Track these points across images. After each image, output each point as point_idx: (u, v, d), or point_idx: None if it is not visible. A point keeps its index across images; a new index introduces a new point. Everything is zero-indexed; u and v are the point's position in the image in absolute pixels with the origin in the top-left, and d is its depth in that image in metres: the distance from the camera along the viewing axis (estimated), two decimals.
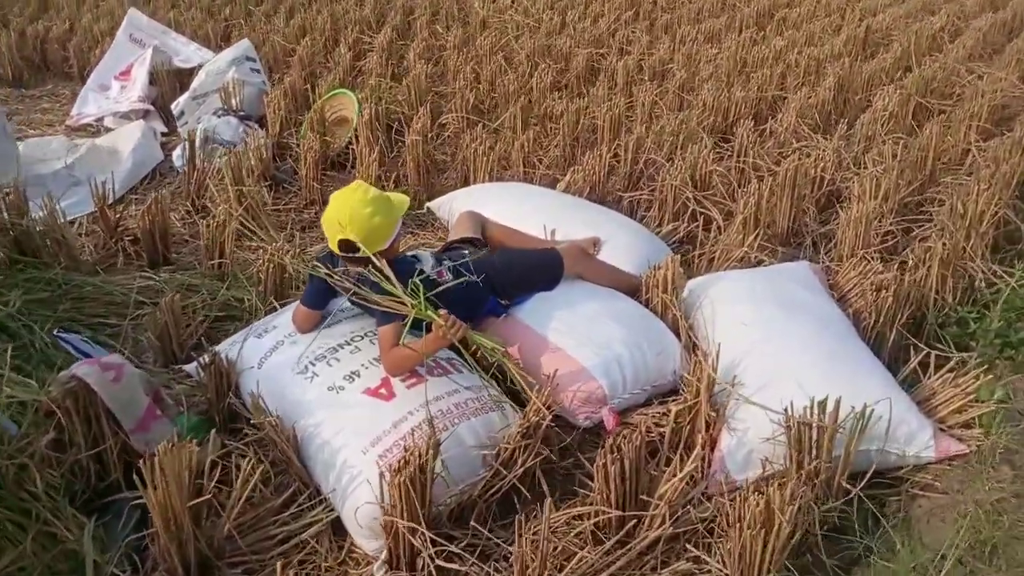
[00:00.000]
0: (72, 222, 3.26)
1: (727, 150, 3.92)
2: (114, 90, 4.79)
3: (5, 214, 2.80)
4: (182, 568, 1.73)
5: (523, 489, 1.97)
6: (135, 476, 1.68)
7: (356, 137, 3.94)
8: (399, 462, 1.68)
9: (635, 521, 1.83)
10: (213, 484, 1.82)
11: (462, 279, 2.19)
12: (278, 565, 1.79)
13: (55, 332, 2.28)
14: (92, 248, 3.18)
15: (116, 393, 1.89)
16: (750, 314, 2.34)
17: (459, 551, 1.79)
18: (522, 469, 1.93)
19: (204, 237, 2.98)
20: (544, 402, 1.95)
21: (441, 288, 2.11)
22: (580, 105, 4.17)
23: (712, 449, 2.07)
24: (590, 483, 1.98)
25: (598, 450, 1.97)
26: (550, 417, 1.98)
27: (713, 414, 2.10)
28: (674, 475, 1.85)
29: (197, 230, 3.31)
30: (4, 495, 1.79)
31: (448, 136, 4.34)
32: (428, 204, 3.49)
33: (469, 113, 4.33)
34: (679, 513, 1.89)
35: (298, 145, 3.94)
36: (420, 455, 1.69)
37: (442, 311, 2.01)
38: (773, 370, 2.12)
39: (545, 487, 1.99)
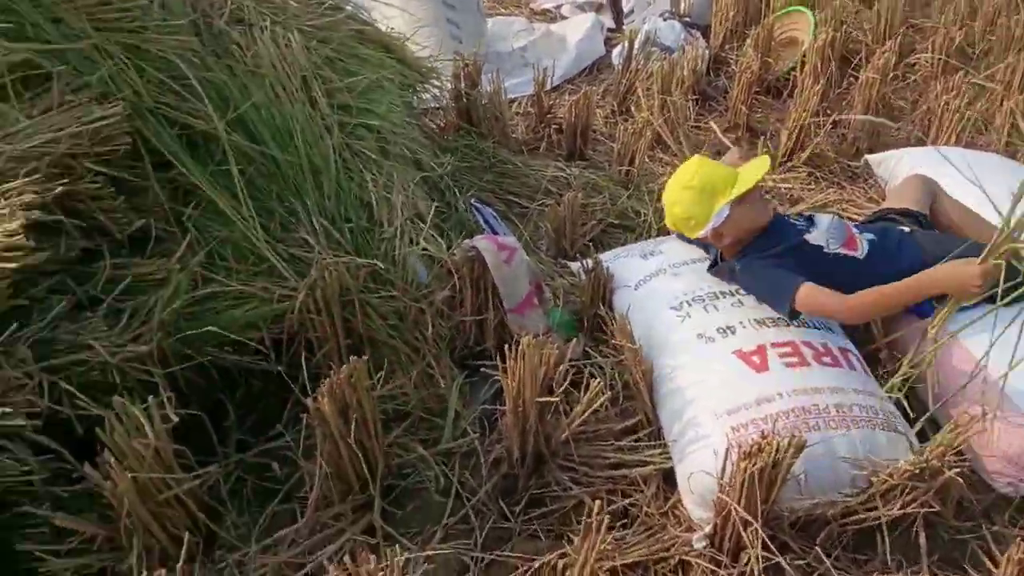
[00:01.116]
0: (512, 101, 3.51)
1: None
2: None
3: (462, 83, 3.10)
4: (519, 452, 1.81)
5: (892, 533, 1.64)
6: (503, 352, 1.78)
7: (803, 63, 3.55)
8: (752, 446, 1.49)
9: None
10: (565, 385, 1.86)
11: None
12: (603, 491, 1.81)
13: (472, 201, 2.48)
14: (523, 129, 3.40)
15: (504, 273, 1.99)
16: None
17: (788, 565, 1.57)
18: (900, 511, 1.60)
19: (619, 140, 2.98)
20: (953, 447, 1.56)
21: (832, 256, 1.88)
22: None
23: None
24: (987, 563, 1.58)
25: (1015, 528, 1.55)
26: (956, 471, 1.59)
27: None
28: None
29: (615, 132, 3.33)
30: (403, 329, 2.04)
31: (914, 80, 3.68)
32: (866, 156, 3.02)
33: (950, 56, 3.60)
34: None
35: (737, 62, 3.68)
36: (778, 448, 1.48)
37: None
38: None
39: (922, 542, 1.63)
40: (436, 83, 2.87)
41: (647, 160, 3.01)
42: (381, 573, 1.29)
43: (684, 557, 1.67)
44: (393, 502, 1.79)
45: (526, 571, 1.63)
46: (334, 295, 1.88)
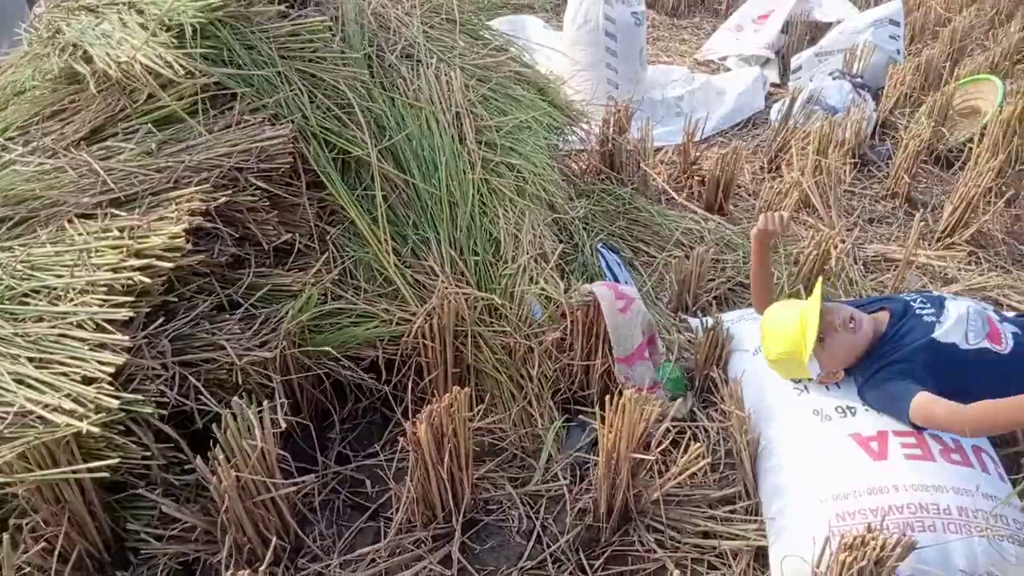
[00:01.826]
0: (659, 150, 3.50)
1: None
2: (747, 32, 4.89)
3: (610, 128, 3.13)
4: (606, 505, 1.77)
5: None
6: (603, 402, 1.76)
7: (982, 134, 3.27)
8: (856, 538, 1.38)
9: None
10: (665, 444, 1.81)
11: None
12: (689, 559, 1.73)
13: (599, 246, 2.49)
14: (666, 177, 3.38)
15: (619, 322, 1.97)
16: None
17: None
18: None
19: (762, 198, 2.88)
20: None
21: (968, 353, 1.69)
22: None
23: None
24: None
25: None
26: None
27: None
28: None
29: (760, 189, 3.23)
30: (509, 365, 2.08)
31: None
32: None
33: None
34: None
35: (906, 128, 3.46)
36: (884, 545, 1.36)
37: None
38: None
39: None
40: (584, 126, 2.92)
41: (791, 221, 2.88)
42: None
43: None
44: (474, 536, 1.81)
45: None
46: (449, 324, 1.95)
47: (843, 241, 2.74)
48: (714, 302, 2.52)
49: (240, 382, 1.76)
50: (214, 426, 1.62)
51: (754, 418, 1.85)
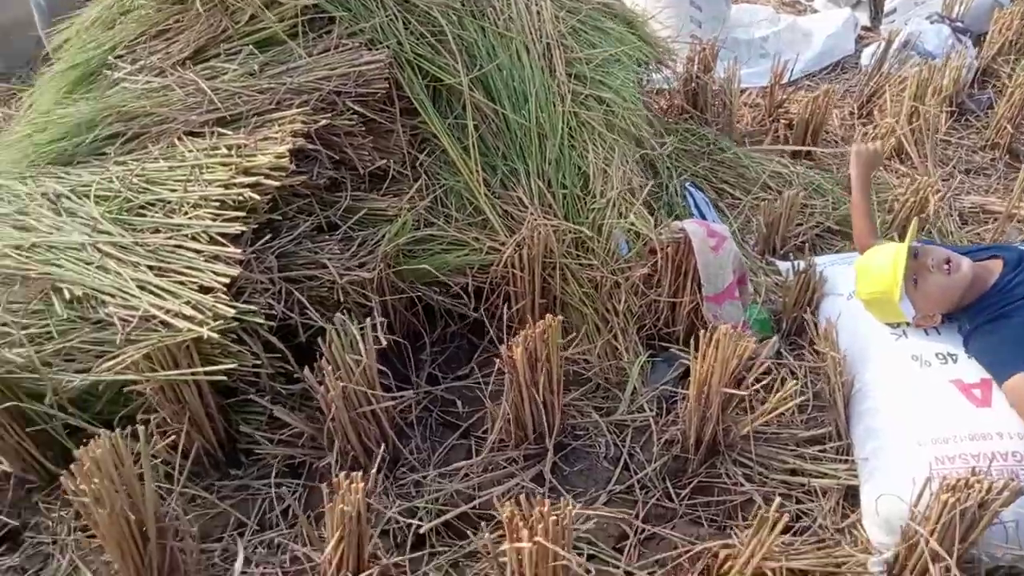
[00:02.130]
0: (743, 91, 3.40)
1: None
2: None
3: (695, 67, 3.05)
4: (695, 438, 1.79)
5: None
6: (690, 338, 1.77)
7: None
8: (960, 480, 1.37)
9: None
10: (752, 382, 1.81)
11: None
12: (776, 494, 1.75)
13: (687, 184, 2.45)
14: (749, 120, 3.29)
15: (709, 260, 1.96)
16: None
17: None
18: None
19: (854, 144, 2.78)
20: None
21: None
22: None
23: None
24: None
25: None
26: None
27: None
28: None
29: (850, 135, 3.12)
30: (595, 299, 2.09)
31: None
32: None
33: None
34: None
35: (1010, 76, 3.28)
36: (989, 490, 1.34)
37: None
38: None
39: None
40: (670, 64, 2.85)
41: (882, 169, 2.79)
42: (552, 518, 1.34)
43: None
44: (562, 458, 1.85)
45: (685, 552, 1.62)
46: (539, 255, 1.96)
47: (939, 190, 2.64)
48: (803, 246, 2.47)
49: (341, 300, 1.81)
50: (319, 340, 1.69)
51: (848, 361, 1.82)
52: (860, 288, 1.88)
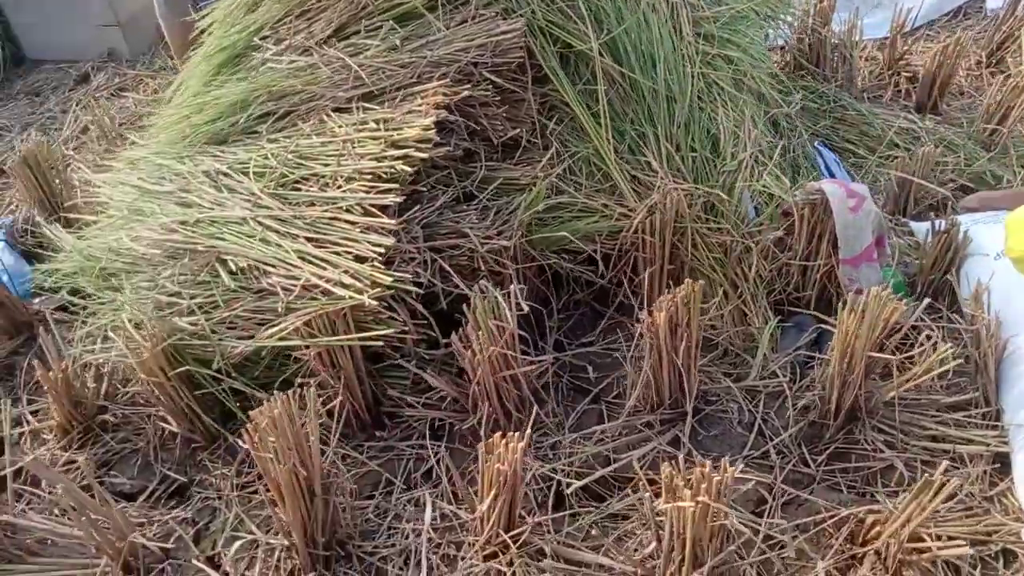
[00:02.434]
0: (864, 45, 3.26)
1: None
2: None
3: (810, 20, 2.94)
4: (835, 403, 1.78)
5: None
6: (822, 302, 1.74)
7: None
8: None
9: None
10: (895, 347, 1.78)
11: None
12: (919, 460, 1.73)
13: (816, 143, 2.39)
14: (866, 74, 3.16)
15: (849, 221, 1.92)
16: None
17: None
18: None
19: (989, 96, 2.65)
20: None
21: None
22: None
23: None
24: None
25: None
26: None
27: None
28: None
29: (981, 85, 2.97)
30: (726, 263, 2.08)
31: None
32: None
33: None
34: None
35: None
36: None
37: None
38: None
39: None
40: (788, 18, 2.77)
41: (1020, 122, 2.65)
42: (717, 477, 1.37)
43: (1009, 546, 1.56)
44: (697, 423, 1.87)
45: (830, 516, 1.63)
46: (670, 220, 1.97)
47: None
48: (937, 205, 2.39)
49: (481, 268, 1.87)
50: (464, 306, 1.75)
51: (1003, 323, 1.77)
52: (1011, 246, 1.81)
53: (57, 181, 2.48)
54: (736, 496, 1.72)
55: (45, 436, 2.01)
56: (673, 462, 1.41)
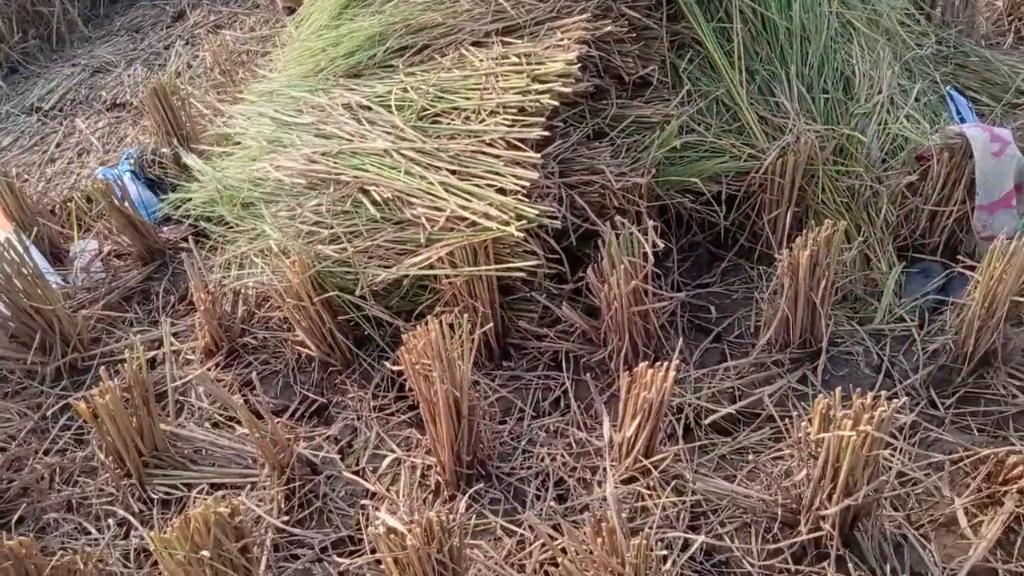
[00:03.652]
0: None
1: None
2: None
3: None
4: (971, 346, 1.77)
5: None
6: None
7: None
8: None
9: None
10: None
11: None
12: None
13: (948, 89, 2.34)
14: (984, 21, 3.04)
15: (990, 166, 1.89)
16: None
17: None
18: None
19: None
20: None
21: None
22: None
23: None
24: None
25: None
26: None
27: None
28: None
29: None
30: (853, 207, 2.07)
31: None
32: None
33: None
34: None
35: None
36: None
37: None
38: None
39: None
40: None
41: None
42: (881, 408, 1.39)
43: None
44: (825, 364, 1.89)
45: (968, 456, 1.65)
46: (802, 162, 1.96)
47: None
48: None
49: (613, 205, 1.89)
50: (598, 242, 1.78)
51: None
52: None
53: (183, 114, 2.55)
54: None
55: (189, 356, 2.13)
56: (822, 395, 1.44)
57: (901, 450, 1.73)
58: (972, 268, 1.78)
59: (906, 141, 2.00)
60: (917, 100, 2.17)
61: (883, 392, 1.80)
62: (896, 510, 1.62)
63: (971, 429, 1.77)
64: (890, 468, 1.67)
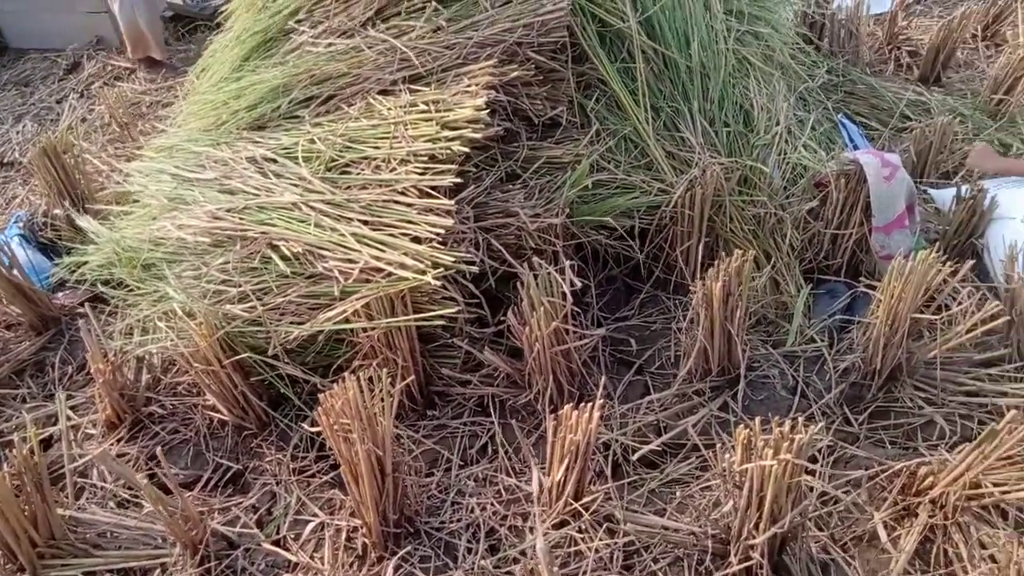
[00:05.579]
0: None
1: None
2: None
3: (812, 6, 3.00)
4: (879, 364, 1.84)
5: None
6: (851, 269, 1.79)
7: None
8: None
9: None
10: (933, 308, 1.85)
11: None
12: (957, 415, 1.80)
13: (839, 117, 2.45)
14: (868, 51, 3.23)
15: (883, 190, 1.98)
16: None
17: None
18: None
19: (995, 67, 2.74)
20: None
21: None
22: None
23: None
24: None
25: None
26: None
27: None
28: None
29: (977, 58, 3.06)
30: (758, 233, 2.14)
31: None
32: None
33: None
34: None
35: None
36: None
37: None
38: None
39: None
40: None
41: None
42: (800, 436, 1.41)
43: None
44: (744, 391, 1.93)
45: (883, 471, 1.70)
46: (710, 193, 2.01)
47: None
48: (949, 173, 2.47)
49: (527, 246, 1.89)
50: (515, 283, 1.77)
51: None
52: None
53: (76, 173, 2.43)
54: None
55: (90, 431, 1.99)
56: (742, 424, 1.46)
57: (821, 474, 1.77)
58: (873, 287, 1.86)
59: (805, 169, 2.08)
60: (813, 129, 2.27)
61: (799, 416, 1.88)
62: (820, 530, 1.65)
63: (884, 443, 1.83)
64: (812, 490, 1.71)
